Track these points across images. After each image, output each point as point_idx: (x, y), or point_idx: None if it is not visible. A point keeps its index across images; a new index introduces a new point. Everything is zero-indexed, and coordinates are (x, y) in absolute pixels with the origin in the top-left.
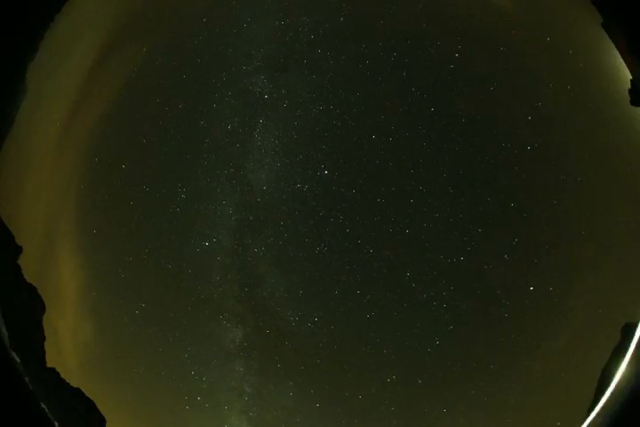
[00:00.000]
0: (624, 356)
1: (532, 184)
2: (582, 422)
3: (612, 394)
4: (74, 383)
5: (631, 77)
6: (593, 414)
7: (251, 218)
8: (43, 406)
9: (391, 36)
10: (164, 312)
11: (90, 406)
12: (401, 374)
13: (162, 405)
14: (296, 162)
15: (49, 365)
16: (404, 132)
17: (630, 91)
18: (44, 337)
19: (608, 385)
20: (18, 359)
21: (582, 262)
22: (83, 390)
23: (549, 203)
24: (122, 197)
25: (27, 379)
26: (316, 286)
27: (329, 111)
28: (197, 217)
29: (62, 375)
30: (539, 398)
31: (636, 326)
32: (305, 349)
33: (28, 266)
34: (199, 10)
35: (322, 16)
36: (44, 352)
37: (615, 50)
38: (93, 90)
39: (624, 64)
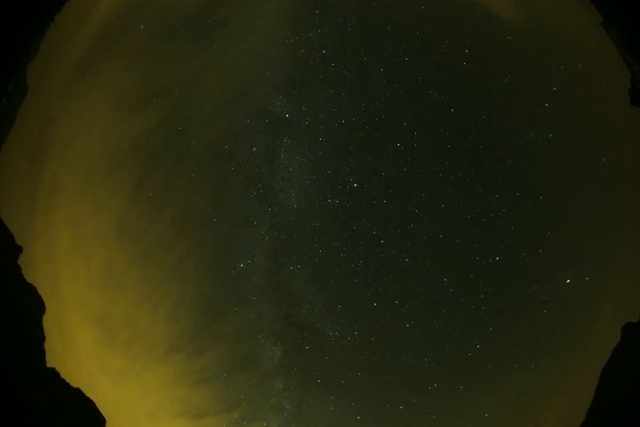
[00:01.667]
0: (624, 356)
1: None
2: (582, 423)
3: (612, 394)
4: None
5: (631, 77)
6: (592, 415)
7: (284, 237)
8: (42, 405)
9: (401, 41)
10: (201, 331)
11: (90, 406)
12: (442, 382)
13: (202, 424)
14: (324, 177)
15: (49, 365)
16: (428, 137)
17: (630, 91)
18: (44, 337)
19: (608, 385)
20: (18, 359)
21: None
22: None
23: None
24: (154, 224)
25: (27, 379)
26: (353, 300)
27: (351, 124)
28: (231, 240)
29: (62, 376)
30: (539, 397)
31: (636, 325)
32: (345, 362)
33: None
34: (207, 36)
35: (330, 29)
36: (44, 352)
37: (615, 50)
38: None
39: (624, 64)
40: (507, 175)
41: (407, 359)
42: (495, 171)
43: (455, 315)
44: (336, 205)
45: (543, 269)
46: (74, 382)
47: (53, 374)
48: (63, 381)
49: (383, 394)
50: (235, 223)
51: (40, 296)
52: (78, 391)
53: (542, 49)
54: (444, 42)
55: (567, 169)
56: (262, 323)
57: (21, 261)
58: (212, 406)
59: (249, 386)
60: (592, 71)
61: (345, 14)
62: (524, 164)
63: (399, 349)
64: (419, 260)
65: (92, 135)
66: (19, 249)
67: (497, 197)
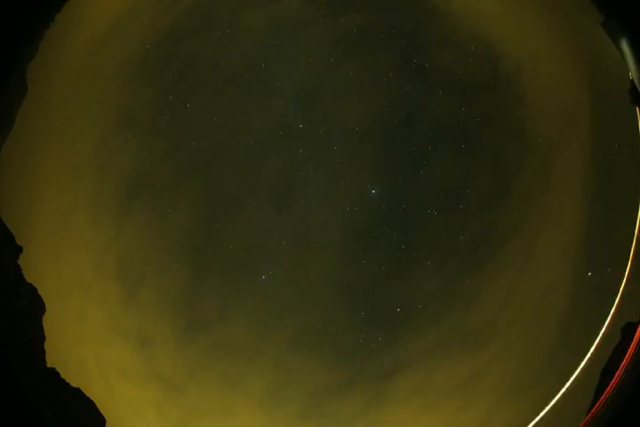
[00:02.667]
0: (624, 355)
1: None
2: (582, 422)
3: (612, 393)
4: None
5: (631, 77)
6: (593, 414)
7: (305, 247)
8: (42, 406)
9: (406, 44)
10: (225, 346)
11: (90, 406)
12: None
13: None
14: (342, 186)
15: (49, 365)
16: (443, 137)
17: (630, 90)
18: (44, 337)
19: (608, 384)
20: (18, 359)
21: None
22: None
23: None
24: (173, 240)
25: (26, 379)
26: (378, 307)
27: (365, 130)
28: (251, 253)
29: (62, 375)
30: (538, 398)
31: (635, 325)
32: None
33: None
34: (216, 48)
35: (334, 36)
36: (44, 352)
37: (615, 49)
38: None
39: (624, 63)
40: (523, 177)
41: (435, 364)
42: (514, 172)
43: (475, 313)
44: (355, 213)
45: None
46: (74, 382)
47: (53, 374)
48: (63, 381)
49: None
50: (255, 236)
51: (40, 296)
52: (78, 391)
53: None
54: (446, 43)
55: None
56: (285, 332)
57: (21, 261)
58: None
59: (276, 397)
60: (592, 71)
61: (348, 21)
62: (524, 164)
63: (427, 354)
64: (441, 262)
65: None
66: (19, 249)
67: (521, 197)
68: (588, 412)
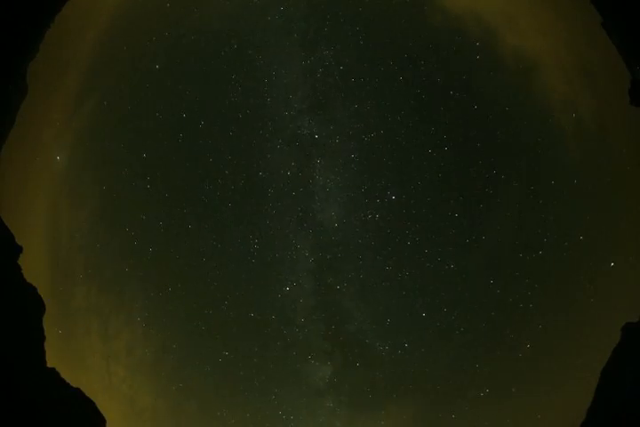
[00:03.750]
0: (624, 356)
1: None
2: (582, 423)
3: (612, 394)
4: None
5: (631, 77)
6: (592, 415)
7: (328, 257)
8: (43, 406)
9: (414, 47)
10: (249, 359)
11: (90, 406)
12: (494, 387)
13: None
14: (361, 193)
15: (49, 365)
16: (456, 140)
17: (630, 91)
18: (44, 337)
19: (608, 385)
20: (18, 359)
21: None
22: None
23: None
24: (195, 252)
25: (26, 379)
26: (402, 312)
27: (380, 136)
28: (274, 264)
29: (62, 375)
30: (538, 398)
31: (636, 325)
32: (397, 376)
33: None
34: (225, 67)
35: (342, 45)
36: (44, 352)
37: (615, 50)
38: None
39: (624, 64)
40: (536, 179)
41: (459, 366)
42: (530, 172)
43: (505, 317)
44: (377, 220)
45: (585, 257)
46: (74, 382)
47: (53, 374)
48: (63, 381)
49: (436, 404)
50: (277, 248)
51: (40, 296)
52: (78, 391)
53: (539, 49)
54: (453, 45)
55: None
56: (311, 344)
57: (21, 261)
58: None
59: (298, 406)
60: (591, 71)
61: (353, 27)
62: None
63: (451, 357)
64: (463, 265)
65: None
66: (19, 249)
67: (534, 193)
68: (589, 412)
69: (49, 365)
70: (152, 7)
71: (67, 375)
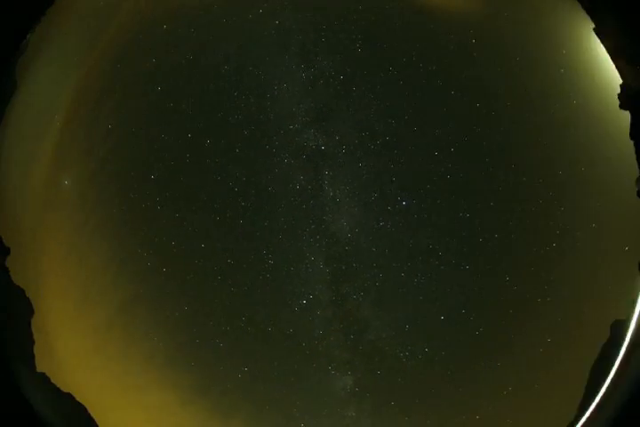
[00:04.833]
0: (613, 354)
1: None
2: (582, 423)
3: (602, 394)
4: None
5: (621, 81)
6: (584, 415)
7: (343, 267)
8: (35, 410)
9: (411, 50)
10: (268, 373)
11: (81, 410)
12: (516, 387)
13: None
14: (372, 202)
15: (39, 369)
16: (465, 142)
17: (619, 95)
18: (33, 341)
19: (597, 385)
20: (7, 364)
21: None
22: None
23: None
24: (209, 272)
25: (16, 384)
26: (420, 318)
27: (387, 143)
28: (289, 278)
29: (53, 380)
30: (529, 397)
31: (625, 323)
32: (419, 382)
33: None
34: (227, 85)
35: (342, 54)
36: (33, 356)
37: (606, 54)
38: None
39: (614, 68)
40: (549, 180)
41: (481, 368)
42: (543, 172)
43: (522, 314)
44: (389, 227)
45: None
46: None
47: (44, 378)
48: (54, 385)
49: (459, 408)
50: (292, 262)
51: (28, 299)
52: (69, 396)
53: (531, 52)
54: (452, 45)
55: None
56: (331, 355)
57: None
58: None
59: (321, 417)
60: (582, 75)
61: (350, 35)
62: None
63: (473, 359)
64: (478, 265)
65: None
66: (6, 251)
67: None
68: (578, 412)
69: (39, 369)
70: (148, 31)
71: (57, 380)
